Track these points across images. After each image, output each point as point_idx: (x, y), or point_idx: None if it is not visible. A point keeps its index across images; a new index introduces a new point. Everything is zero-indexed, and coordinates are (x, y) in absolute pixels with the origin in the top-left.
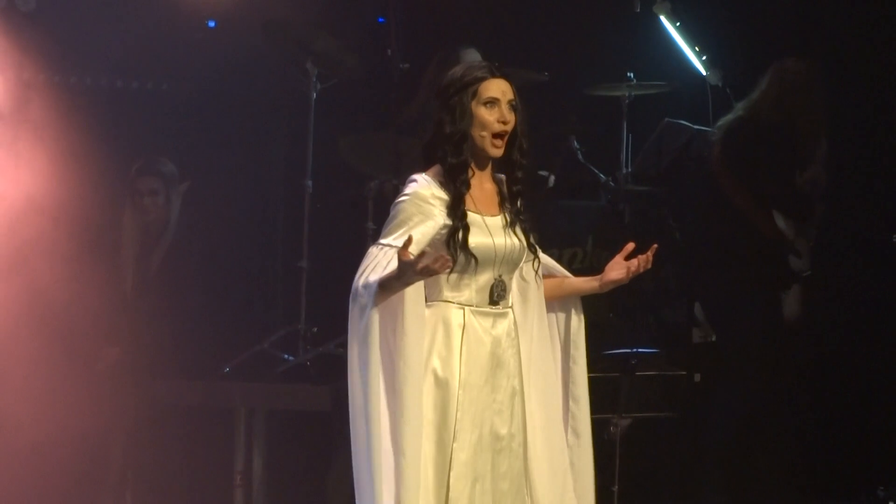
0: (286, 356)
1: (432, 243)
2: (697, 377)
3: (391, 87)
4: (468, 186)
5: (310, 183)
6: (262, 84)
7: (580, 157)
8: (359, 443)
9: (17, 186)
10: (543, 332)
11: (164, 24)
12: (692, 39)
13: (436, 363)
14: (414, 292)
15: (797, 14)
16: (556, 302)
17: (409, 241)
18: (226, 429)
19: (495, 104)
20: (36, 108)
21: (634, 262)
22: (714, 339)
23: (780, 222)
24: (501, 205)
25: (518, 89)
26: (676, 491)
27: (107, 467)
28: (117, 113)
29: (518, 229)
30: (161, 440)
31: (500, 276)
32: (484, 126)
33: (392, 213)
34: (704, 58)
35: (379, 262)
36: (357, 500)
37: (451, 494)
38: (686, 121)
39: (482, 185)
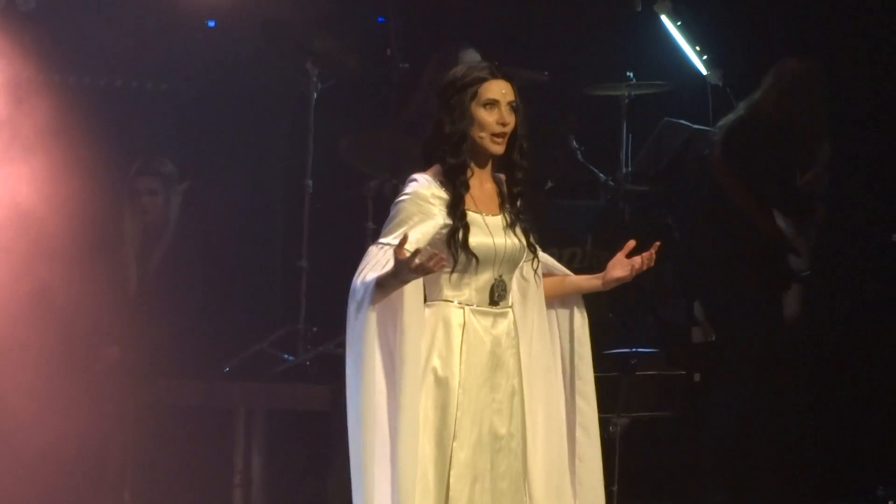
0: (286, 356)
1: (433, 243)
2: (697, 377)
3: (391, 86)
4: (467, 187)
5: (310, 183)
6: (262, 84)
7: (580, 156)
8: (353, 442)
9: (17, 187)
10: (543, 331)
11: (163, 24)
12: (693, 39)
13: (436, 362)
14: (413, 292)
15: (798, 14)
16: (557, 300)
17: (404, 239)
18: (225, 428)
19: (495, 106)
20: (35, 107)
21: (638, 259)
22: (714, 338)
23: (780, 222)
24: (501, 205)
25: (518, 89)
26: (676, 491)
27: (106, 467)
28: (117, 113)
29: (518, 229)
30: (160, 440)
31: (500, 275)
32: (483, 127)
33: (392, 212)
34: (705, 57)
35: (378, 261)
36: (353, 500)
37: (451, 494)
38: (686, 120)
39: (482, 185)
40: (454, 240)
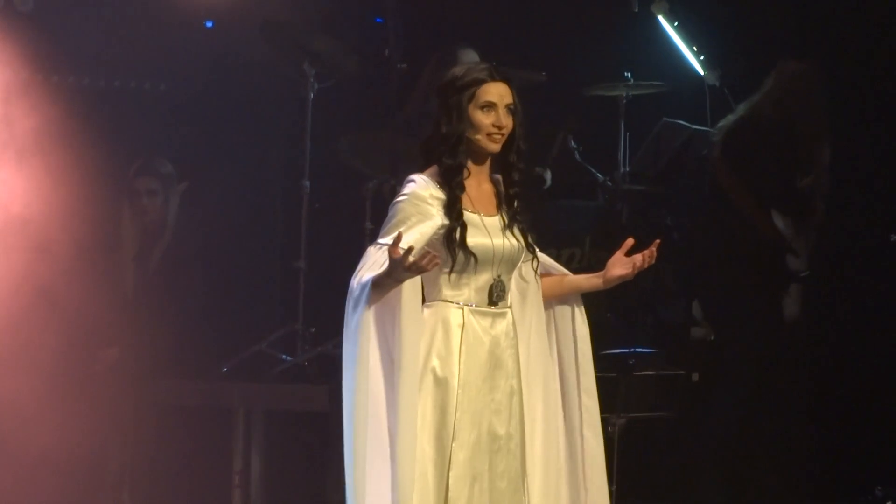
0: (284, 356)
1: (431, 243)
2: (696, 377)
3: (389, 87)
4: (462, 189)
5: (307, 183)
6: (260, 84)
7: (578, 156)
8: (346, 441)
9: (15, 188)
10: (542, 332)
11: (162, 25)
12: (690, 39)
13: (435, 363)
14: (411, 292)
15: (795, 14)
16: (556, 299)
17: (398, 238)
18: (224, 429)
19: (492, 108)
20: (34, 108)
21: (638, 257)
22: (712, 338)
23: (779, 222)
24: (499, 206)
25: (516, 90)
26: (674, 491)
27: (105, 467)
28: (115, 113)
29: (516, 230)
30: (159, 440)
31: (498, 276)
32: (479, 130)
33: (390, 213)
34: (702, 58)
35: (376, 261)
36: (346, 498)
37: (450, 494)
38: (684, 121)
39: (479, 186)
40: (452, 239)
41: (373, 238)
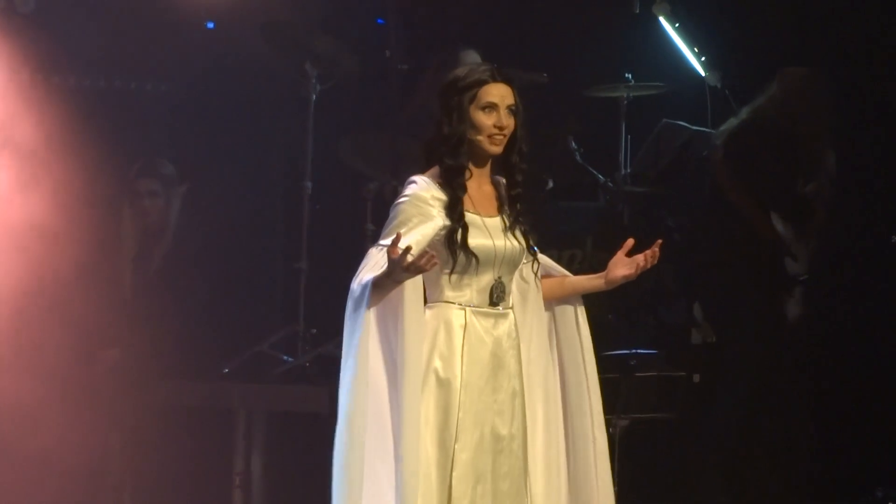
0: (285, 357)
1: (432, 244)
2: (696, 378)
3: (390, 88)
4: (464, 190)
5: (309, 184)
6: (261, 85)
7: (578, 157)
8: (338, 440)
9: (16, 188)
10: (542, 333)
11: (163, 26)
12: (691, 40)
13: (438, 364)
14: (413, 293)
15: (795, 15)
16: (557, 300)
17: (397, 238)
18: (225, 430)
19: (493, 109)
20: (34, 109)
21: (641, 257)
22: (713, 339)
23: (779, 226)
24: (500, 207)
25: (517, 91)
26: (675, 492)
27: (106, 468)
28: (116, 114)
29: (517, 231)
30: (160, 441)
31: (499, 277)
32: (480, 131)
33: (391, 214)
34: (703, 59)
35: (376, 262)
36: (333, 497)
37: (453, 495)
38: (685, 122)
39: (481, 187)
40: (453, 240)
41: (374, 239)
